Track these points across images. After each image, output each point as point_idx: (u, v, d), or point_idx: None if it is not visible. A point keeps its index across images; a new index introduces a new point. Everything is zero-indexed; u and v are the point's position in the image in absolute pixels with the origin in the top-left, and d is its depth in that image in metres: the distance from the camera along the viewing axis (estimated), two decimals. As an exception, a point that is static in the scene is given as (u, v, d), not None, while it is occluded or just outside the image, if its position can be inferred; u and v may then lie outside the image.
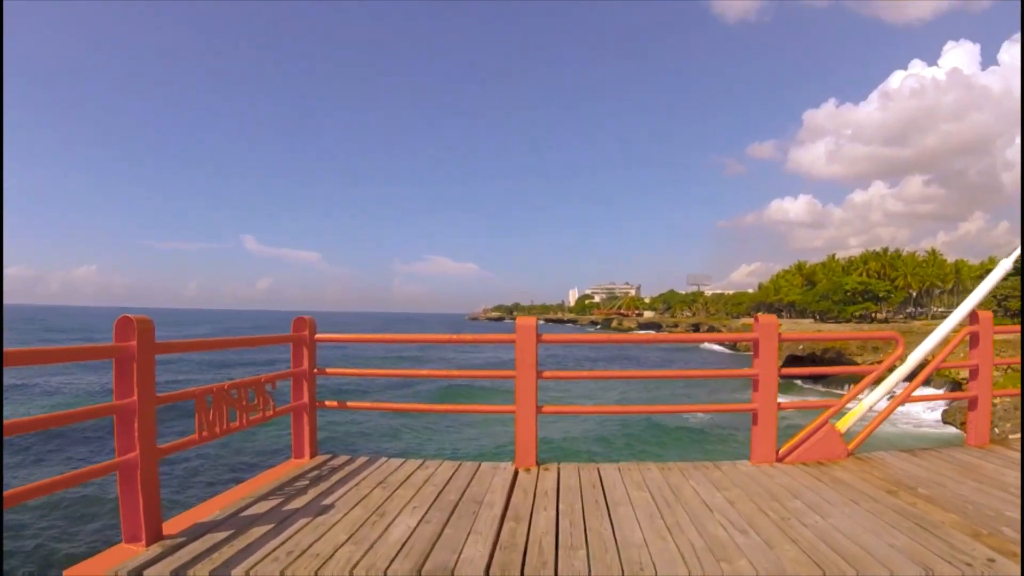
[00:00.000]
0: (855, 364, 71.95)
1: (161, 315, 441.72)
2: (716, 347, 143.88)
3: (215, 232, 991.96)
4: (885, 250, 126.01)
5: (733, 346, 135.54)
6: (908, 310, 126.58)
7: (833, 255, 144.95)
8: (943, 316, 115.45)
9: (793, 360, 79.30)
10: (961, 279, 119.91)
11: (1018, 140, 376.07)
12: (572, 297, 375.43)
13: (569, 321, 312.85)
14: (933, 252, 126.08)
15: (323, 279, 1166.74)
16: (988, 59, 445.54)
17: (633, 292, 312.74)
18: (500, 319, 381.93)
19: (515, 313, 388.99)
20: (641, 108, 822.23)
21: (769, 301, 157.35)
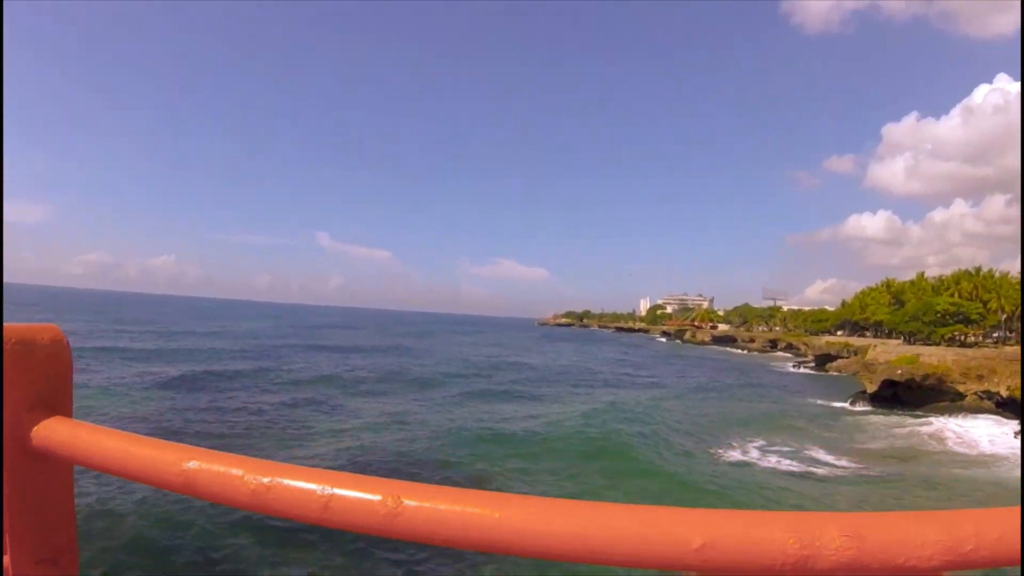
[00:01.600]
0: (958, 392, 68.29)
1: (231, 306, 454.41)
2: (791, 367, 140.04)
3: (286, 227, 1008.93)
4: (978, 270, 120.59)
5: (814, 366, 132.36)
6: (996, 334, 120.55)
7: (922, 273, 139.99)
8: None
9: (890, 385, 75.63)
10: None
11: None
12: (643, 306, 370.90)
13: (640, 331, 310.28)
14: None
15: (393, 278, 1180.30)
16: None
17: (706, 304, 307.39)
18: (570, 325, 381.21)
19: (585, 320, 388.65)
20: (713, 116, 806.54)
21: (855, 319, 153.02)
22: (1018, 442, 54.78)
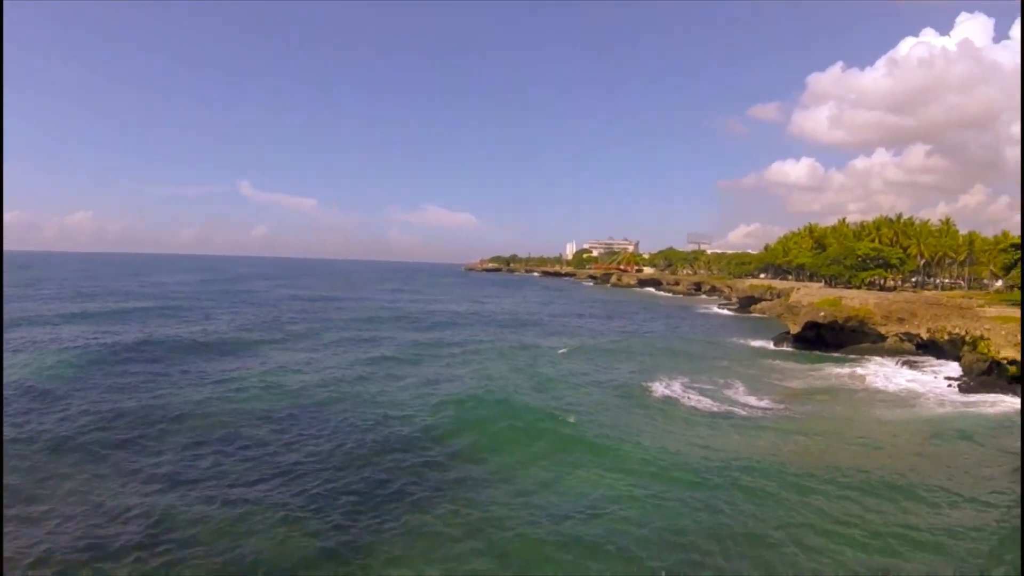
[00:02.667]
0: (880, 334, 69.16)
1: (154, 261, 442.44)
2: (716, 309, 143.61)
3: (209, 175, 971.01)
4: (899, 217, 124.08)
5: (738, 308, 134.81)
6: (915, 279, 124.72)
7: (844, 219, 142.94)
8: (951, 287, 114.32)
9: (812, 326, 76.39)
10: (974, 251, 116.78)
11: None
12: (569, 251, 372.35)
13: (567, 275, 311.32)
14: (947, 222, 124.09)
15: (320, 227, 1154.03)
16: (1001, 33, 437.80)
17: (631, 248, 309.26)
18: (498, 270, 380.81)
19: (512, 265, 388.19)
20: (638, 65, 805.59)
21: (777, 263, 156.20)
22: (940, 382, 55.72)
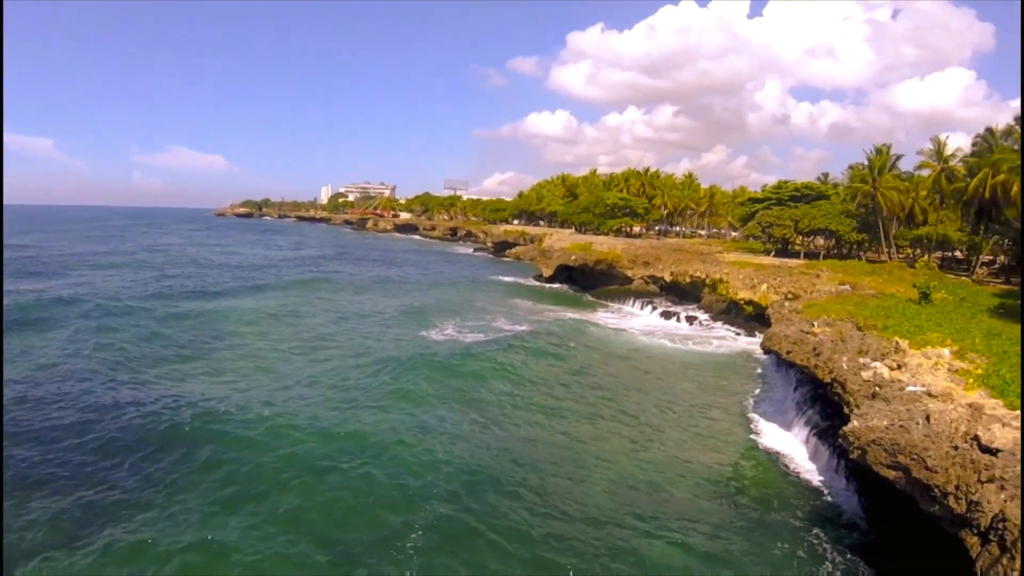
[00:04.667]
0: (627, 276, 71.29)
1: None
2: (471, 250, 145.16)
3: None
4: (646, 170, 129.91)
5: (493, 253, 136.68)
6: (659, 227, 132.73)
7: (595, 170, 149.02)
8: (692, 236, 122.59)
9: (564, 269, 77.73)
10: (714, 204, 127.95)
11: (767, 85, 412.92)
12: (325, 195, 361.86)
13: (322, 220, 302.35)
14: (690, 176, 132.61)
15: (55, 171, 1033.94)
16: (755, 11, 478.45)
17: (388, 193, 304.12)
18: (249, 215, 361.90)
19: (265, 209, 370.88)
20: (401, 9, 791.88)
21: (531, 210, 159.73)
22: (682, 323, 58.16)
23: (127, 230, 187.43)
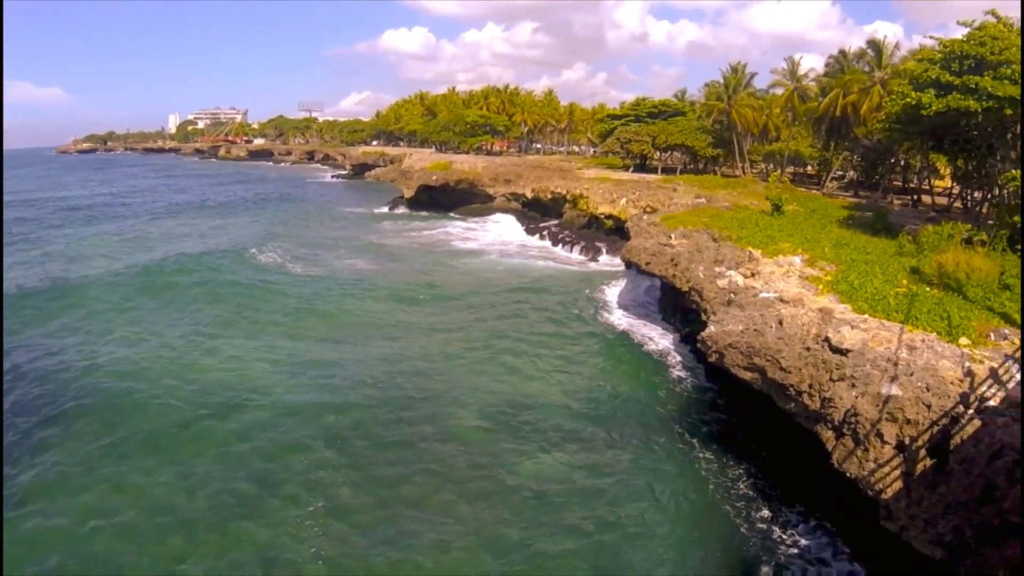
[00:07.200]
0: (489, 194, 71.15)
1: None
2: (330, 177, 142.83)
3: None
4: (506, 87, 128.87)
5: (352, 175, 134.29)
6: (520, 144, 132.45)
7: (453, 88, 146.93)
8: (552, 152, 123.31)
9: (426, 189, 76.78)
10: (574, 120, 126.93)
11: (626, 3, 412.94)
12: (173, 123, 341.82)
13: (171, 150, 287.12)
14: (550, 93, 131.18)
15: None
16: None
17: (240, 118, 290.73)
18: (93, 151, 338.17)
19: (110, 143, 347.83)
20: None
21: (390, 130, 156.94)
22: (545, 238, 58.62)
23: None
